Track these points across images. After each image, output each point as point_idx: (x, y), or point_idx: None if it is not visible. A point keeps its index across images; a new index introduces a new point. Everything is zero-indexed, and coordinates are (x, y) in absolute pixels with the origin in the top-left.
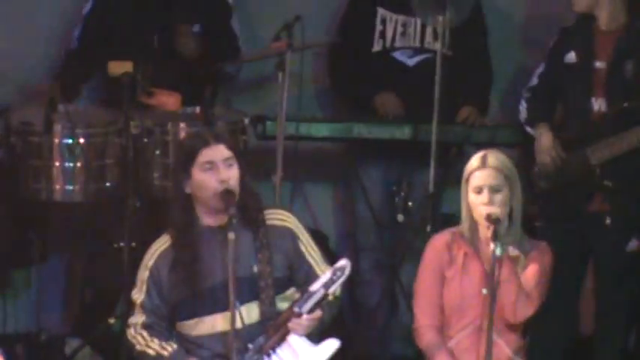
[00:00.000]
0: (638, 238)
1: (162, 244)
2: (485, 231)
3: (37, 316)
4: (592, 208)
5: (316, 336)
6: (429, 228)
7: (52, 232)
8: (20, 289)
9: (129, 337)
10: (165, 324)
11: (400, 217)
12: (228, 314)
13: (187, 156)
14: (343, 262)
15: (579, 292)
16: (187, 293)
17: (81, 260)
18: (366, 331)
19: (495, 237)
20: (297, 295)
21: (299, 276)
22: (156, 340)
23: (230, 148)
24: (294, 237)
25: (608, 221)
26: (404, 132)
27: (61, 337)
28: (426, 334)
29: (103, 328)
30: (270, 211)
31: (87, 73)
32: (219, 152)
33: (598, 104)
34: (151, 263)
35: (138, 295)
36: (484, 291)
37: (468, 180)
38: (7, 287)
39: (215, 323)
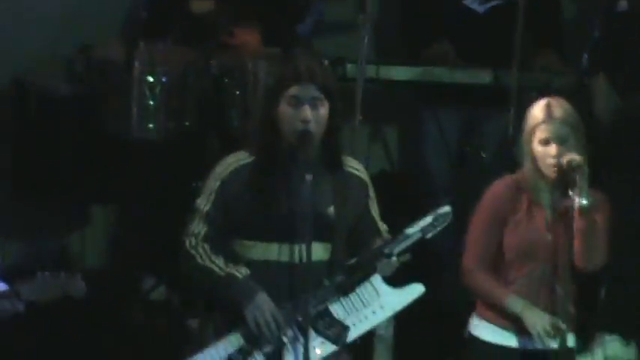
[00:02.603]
0: None
1: (239, 159)
2: (549, 180)
3: (113, 253)
4: None
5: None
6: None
7: (131, 171)
8: (99, 225)
9: (187, 247)
10: (225, 243)
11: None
12: (287, 246)
13: (278, 86)
14: (446, 209)
15: None
16: (256, 215)
17: (159, 199)
18: (439, 277)
19: (574, 184)
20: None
21: (362, 229)
22: (222, 259)
23: (322, 88)
24: (366, 189)
25: None
26: (484, 77)
27: (138, 275)
28: (481, 276)
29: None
30: (347, 158)
31: (170, 13)
32: (308, 91)
33: None
34: (224, 175)
35: (204, 204)
36: (548, 237)
37: (533, 131)
38: (87, 223)
39: (272, 251)
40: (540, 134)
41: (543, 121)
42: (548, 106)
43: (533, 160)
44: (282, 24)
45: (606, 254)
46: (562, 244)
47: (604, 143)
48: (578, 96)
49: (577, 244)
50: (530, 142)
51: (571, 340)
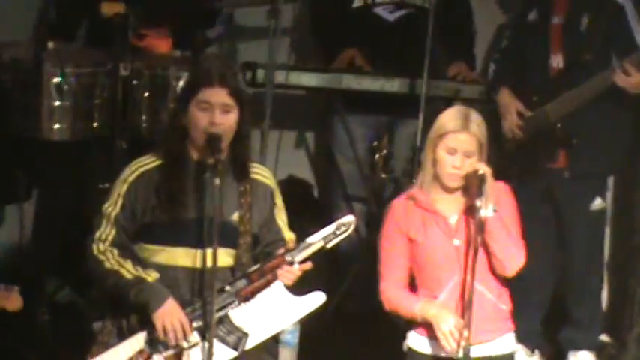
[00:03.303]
0: (601, 196)
1: (146, 163)
2: (448, 185)
3: (18, 253)
4: (556, 166)
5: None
6: (414, 181)
7: (39, 171)
8: (5, 225)
9: (95, 252)
10: (132, 247)
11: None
12: (192, 251)
13: (188, 90)
14: (350, 218)
15: (554, 252)
16: (161, 219)
17: (66, 200)
18: (347, 284)
19: (480, 194)
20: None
21: (266, 236)
22: (130, 262)
23: (233, 94)
24: (272, 196)
25: (566, 175)
26: (393, 85)
27: (43, 275)
28: (396, 295)
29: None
30: (253, 164)
31: (79, 14)
32: (219, 95)
33: (556, 61)
34: (131, 179)
35: (112, 209)
36: (455, 242)
37: (441, 137)
38: None
39: (177, 256)
40: (449, 143)
41: (457, 131)
42: (465, 118)
43: (433, 161)
44: (193, 27)
45: (523, 251)
46: (470, 250)
47: (508, 153)
48: (487, 105)
49: (492, 254)
50: (435, 146)
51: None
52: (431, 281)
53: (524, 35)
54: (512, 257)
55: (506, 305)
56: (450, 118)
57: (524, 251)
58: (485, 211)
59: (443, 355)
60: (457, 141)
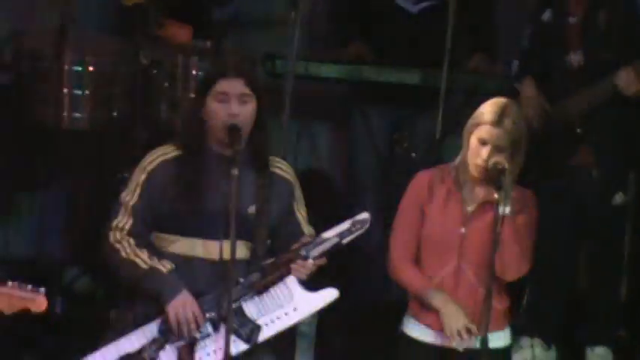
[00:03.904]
0: (623, 191)
1: (165, 152)
2: (473, 174)
3: (37, 242)
4: (576, 161)
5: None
6: None
7: (58, 159)
8: (23, 214)
9: (112, 240)
10: (149, 237)
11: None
12: (209, 242)
13: (205, 82)
14: (365, 216)
15: (574, 248)
16: (179, 209)
17: (85, 189)
18: (366, 276)
19: (500, 187)
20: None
21: (285, 231)
22: (146, 252)
23: (249, 84)
24: (291, 190)
25: (594, 173)
26: (413, 77)
27: (61, 265)
28: (407, 269)
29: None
30: (274, 158)
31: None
32: (235, 86)
33: (576, 59)
34: (150, 168)
35: (129, 198)
36: (462, 230)
37: (477, 125)
38: (10, 211)
39: (195, 247)
40: (481, 133)
41: (490, 124)
42: (501, 112)
43: (466, 148)
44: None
45: (529, 262)
46: (477, 241)
47: (531, 149)
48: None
49: (501, 253)
50: (470, 133)
51: (498, 340)
52: (427, 259)
53: (542, 34)
54: (516, 263)
55: (500, 304)
56: (488, 109)
57: (529, 264)
58: (503, 207)
59: (439, 344)
60: (489, 134)
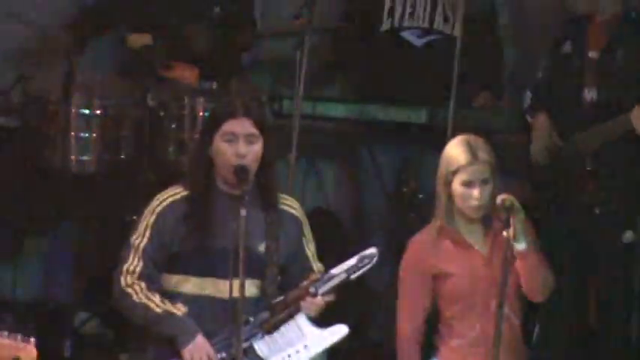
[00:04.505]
0: (632, 228)
1: (173, 193)
2: (472, 220)
3: (45, 285)
4: (585, 198)
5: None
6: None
7: (66, 202)
8: (31, 257)
9: (123, 285)
10: (159, 279)
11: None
12: (219, 281)
13: (213, 122)
14: (372, 251)
15: (586, 284)
16: (189, 248)
17: (93, 232)
18: (375, 315)
19: (508, 225)
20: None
21: (294, 267)
22: (158, 296)
23: (257, 124)
24: (300, 227)
25: (597, 211)
26: (420, 116)
27: (70, 307)
28: (409, 346)
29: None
30: (281, 195)
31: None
32: (243, 126)
33: (591, 94)
34: (159, 209)
35: (139, 240)
36: (487, 271)
37: (455, 172)
38: (19, 254)
39: (205, 286)
40: (464, 177)
41: (468, 164)
42: (470, 147)
43: (449, 199)
44: (225, 56)
45: (550, 270)
46: (498, 278)
47: (540, 183)
48: (515, 136)
49: (525, 283)
50: (449, 183)
51: None
52: (463, 312)
53: (559, 67)
54: (547, 283)
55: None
56: (458, 151)
57: (551, 272)
58: (517, 244)
59: None
60: (471, 173)
